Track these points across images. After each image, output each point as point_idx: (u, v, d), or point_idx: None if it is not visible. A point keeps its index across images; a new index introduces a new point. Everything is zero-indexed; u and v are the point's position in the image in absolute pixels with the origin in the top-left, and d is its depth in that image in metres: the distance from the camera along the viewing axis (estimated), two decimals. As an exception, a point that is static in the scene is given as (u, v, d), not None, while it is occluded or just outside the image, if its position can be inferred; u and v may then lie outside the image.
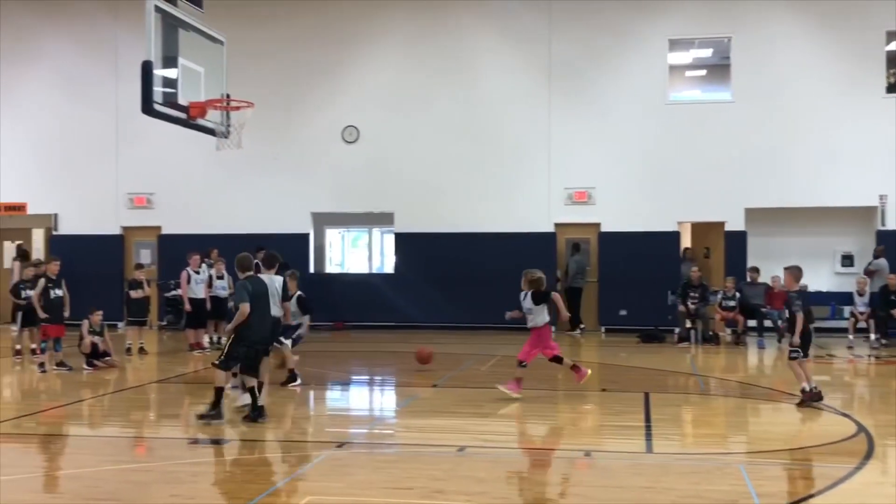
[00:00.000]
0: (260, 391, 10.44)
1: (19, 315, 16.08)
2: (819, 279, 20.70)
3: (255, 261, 19.86)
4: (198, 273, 17.40)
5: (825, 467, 8.14)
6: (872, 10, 20.11)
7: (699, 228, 21.72)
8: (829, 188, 20.20)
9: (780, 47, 20.64)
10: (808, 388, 11.13)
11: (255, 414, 10.18)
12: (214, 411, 10.15)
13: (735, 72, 20.90)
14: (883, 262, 19.63)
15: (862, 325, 18.47)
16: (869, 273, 19.45)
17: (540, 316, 11.97)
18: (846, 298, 19.24)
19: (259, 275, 11.12)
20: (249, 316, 10.13)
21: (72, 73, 23.16)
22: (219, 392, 10.18)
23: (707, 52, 22.67)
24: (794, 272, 11.84)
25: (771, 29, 20.67)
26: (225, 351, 10.34)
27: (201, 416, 10.21)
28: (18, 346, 16.19)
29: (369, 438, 9.80)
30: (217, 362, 10.30)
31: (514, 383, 11.74)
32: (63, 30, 23.30)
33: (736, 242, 20.63)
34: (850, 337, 18.26)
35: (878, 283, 19.22)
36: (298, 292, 13.62)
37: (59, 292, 14.78)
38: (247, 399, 10.44)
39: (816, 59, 20.52)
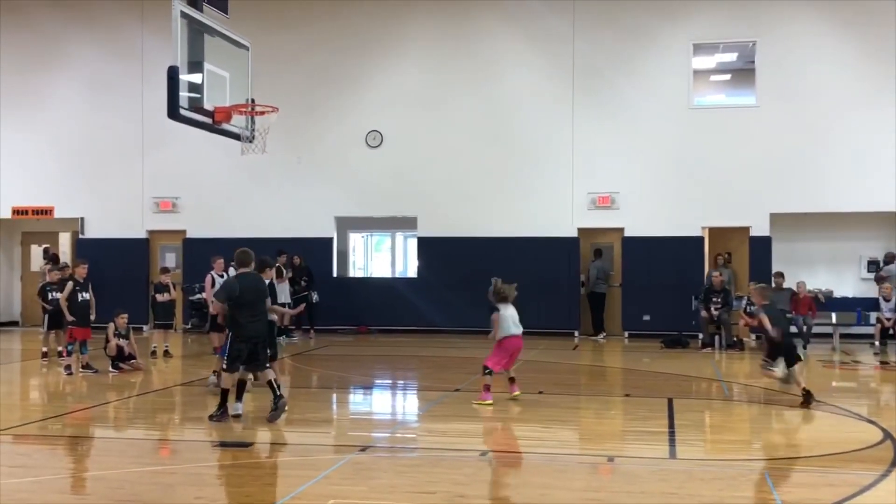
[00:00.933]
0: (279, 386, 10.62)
1: (45, 318, 16.26)
2: (845, 285, 20.61)
3: (277, 264, 20.06)
4: (222, 277, 17.45)
5: (851, 474, 8.07)
6: (898, 13, 19.98)
7: (715, 234, 21.39)
8: (854, 193, 20.04)
9: (805, 51, 20.52)
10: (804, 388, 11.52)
11: (276, 404, 10.35)
12: (220, 412, 10.43)
13: (760, 76, 20.79)
14: (894, 267, 19.51)
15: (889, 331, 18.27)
16: (881, 279, 19.33)
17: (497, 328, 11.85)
18: (872, 304, 19.06)
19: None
20: (241, 312, 10.34)
21: (98, 78, 23.38)
22: (225, 393, 10.46)
23: (731, 57, 22.57)
24: (761, 290, 12.38)
25: (796, 33, 20.56)
26: (226, 354, 10.48)
27: (211, 417, 10.47)
28: (45, 349, 16.37)
29: (392, 442, 9.81)
30: (224, 367, 10.49)
31: (485, 392, 11.61)
32: (90, 36, 23.53)
33: (761, 247, 20.50)
34: (877, 343, 18.07)
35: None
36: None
37: (86, 295, 14.92)
38: (240, 409, 10.63)
39: (842, 62, 20.38)
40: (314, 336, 20.74)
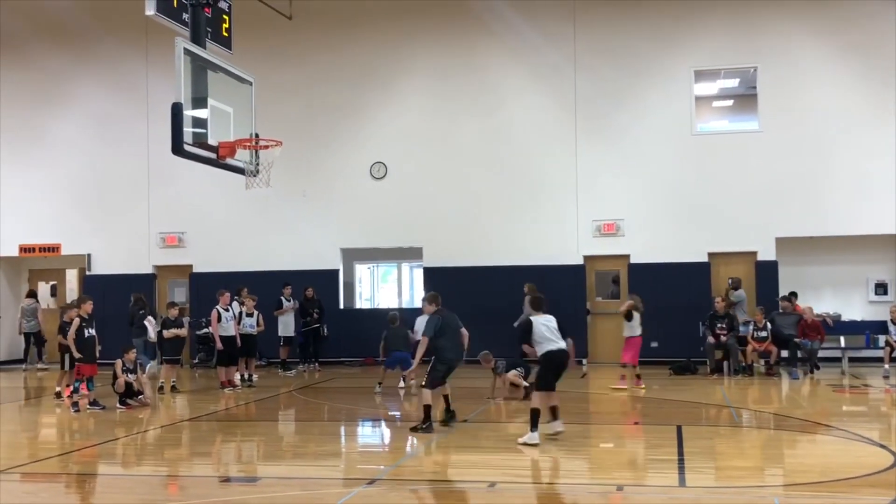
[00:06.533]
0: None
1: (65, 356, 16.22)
2: (852, 308, 20.54)
3: (280, 297, 20.16)
4: (227, 311, 17.52)
5: (861, 499, 8.02)
6: (898, 37, 20.07)
7: (722, 259, 21.26)
8: (860, 216, 20.03)
9: (807, 76, 20.59)
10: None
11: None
12: (426, 424, 11.86)
13: (762, 101, 20.85)
14: (742, 293, 19.46)
15: (898, 354, 18.20)
16: (730, 304, 19.24)
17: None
18: (881, 327, 19.00)
19: (536, 317, 11.66)
20: (441, 341, 11.99)
21: (104, 115, 23.56)
22: (428, 408, 11.94)
23: (733, 83, 22.65)
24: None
25: (796, 58, 20.64)
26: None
27: (414, 429, 11.91)
28: (59, 388, 16.21)
29: (400, 475, 9.77)
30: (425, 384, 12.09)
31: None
32: (95, 73, 23.74)
33: (767, 272, 20.48)
34: (886, 366, 17.99)
35: (740, 315, 18.90)
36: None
37: (92, 331, 14.94)
38: (559, 426, 11.28)
39: (843, 85, 20.45)
40: (320, 369, 20.68)
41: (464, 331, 12.57)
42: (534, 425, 10.76)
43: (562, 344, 11.39)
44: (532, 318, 11.56)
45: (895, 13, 20.10)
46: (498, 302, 21.05)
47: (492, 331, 20.96)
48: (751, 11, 20.85)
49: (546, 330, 11.36)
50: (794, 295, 19.50)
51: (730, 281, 20.34)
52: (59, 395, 16.09)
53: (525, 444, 10.70)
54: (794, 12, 20.69)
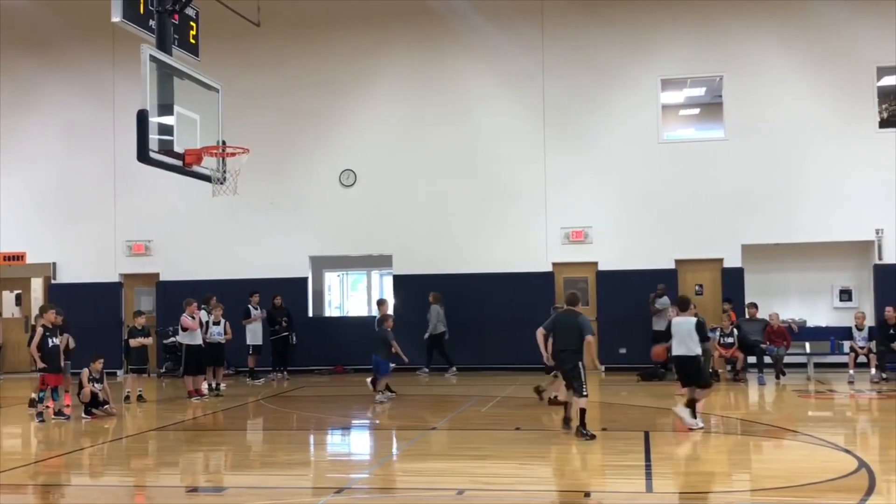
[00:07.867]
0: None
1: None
2: (818, 314, 20.74)
3: (248, 305, 20.06)
4: (193, 319, 17.39)
5: (827, 504, 8.10)
6: (862, 47, 20.32)
7: (688, 266, 21.39)
8: (825, 223, 20.25)
9: (772, 85, 20.81)
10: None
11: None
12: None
13: (728, 110, 21.06)
14: (666, 300, 19.56)
15: (862, 359, 18.43)
16: (655, 312, 19.44)
17: None
18: (845, 333, 19.21)
19: (675, 318, 12.65)
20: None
21: (70, 121, 23.33)
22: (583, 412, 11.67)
23: (700, 91, 22.83)
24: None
25: (762, 67, 20.86)
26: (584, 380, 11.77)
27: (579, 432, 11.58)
28: (34, 396, 15.99)
29: (368, 483, 9.74)
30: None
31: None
32: (61, 79, 23.51)
33: (733, 279, 20.65)
34: (851, 372, 18.20)
35: (662, 322, 18.73)
36: None
37: (56, 341, 14.76)
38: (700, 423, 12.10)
39: (809, 95, 20.70)
40: (288, 377, 20.57)
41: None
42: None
43: (683, 349, 12.26)
44: (673, 319, 12.49)
45: (860, 23, 20.37)
46: (466, 309, 21.09)
47: (460, 336, 21.05)
48: (717, 21, 21.08)
49: (675, 332, 12.33)
50: (728, 301, 19.78)
51: (658, 287, 20.28)
52: (32, 402, 15.88)
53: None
54: (759, 22, 20.92)
